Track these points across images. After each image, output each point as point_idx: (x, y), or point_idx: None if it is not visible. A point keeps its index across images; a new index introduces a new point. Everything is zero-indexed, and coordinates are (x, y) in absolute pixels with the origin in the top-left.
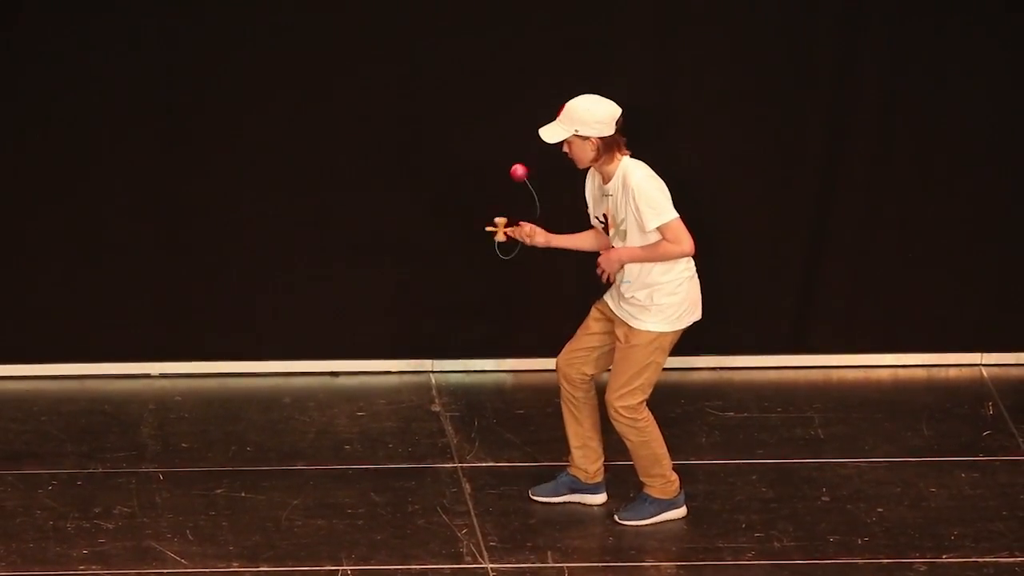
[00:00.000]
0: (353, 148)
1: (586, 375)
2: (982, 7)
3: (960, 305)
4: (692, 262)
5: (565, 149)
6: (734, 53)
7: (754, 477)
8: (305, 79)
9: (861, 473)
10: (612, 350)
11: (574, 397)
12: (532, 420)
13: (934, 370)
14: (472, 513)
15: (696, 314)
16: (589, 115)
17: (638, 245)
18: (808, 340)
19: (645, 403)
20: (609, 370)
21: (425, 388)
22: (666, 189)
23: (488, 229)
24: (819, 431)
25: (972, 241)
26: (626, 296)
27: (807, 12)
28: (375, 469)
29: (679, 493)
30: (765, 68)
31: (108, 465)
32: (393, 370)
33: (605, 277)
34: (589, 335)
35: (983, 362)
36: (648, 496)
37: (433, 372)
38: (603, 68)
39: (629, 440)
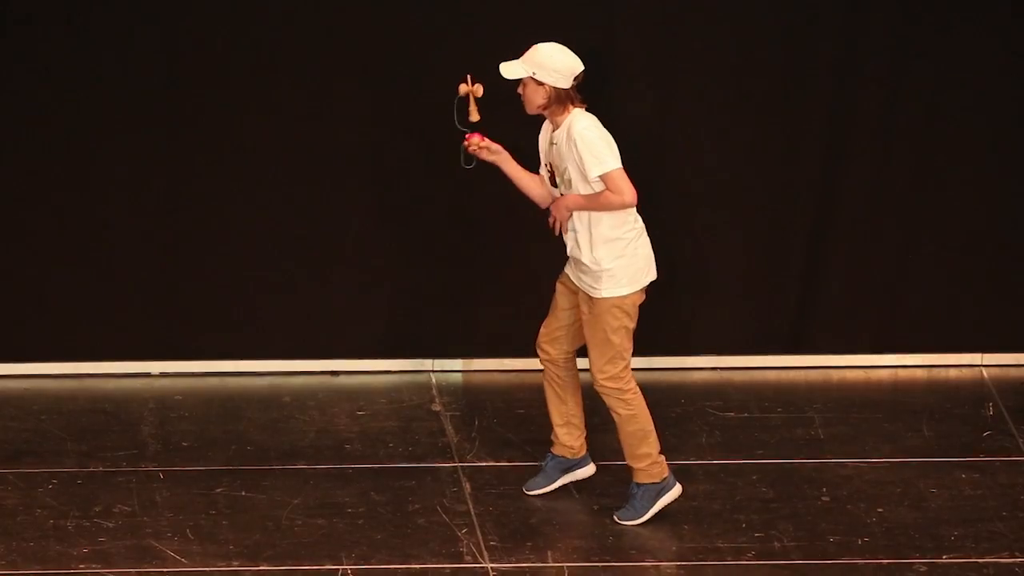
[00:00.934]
0: (353, 146)
1: (567, 352)
2: (986, 9)
3: (960, 305)
4: (640, 220)
5: (520, 90)
6: (733, 53)
7: (754, 477)
8: (305, 79)
9: (861, 473)
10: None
11: (558, 376)
12: (532, 420)
13: (934, 371)
14: (472, 512)
15: (651, 273)
16: (550, 61)
17: (581, 193)
18: (808, 340)
19: (630, 371)
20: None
21: (425, 387)
22: (611, 141)
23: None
24: (819, 431)
25: (972, 241)
26: (577, 260)
27: (808, 11)
28: (375, 468)
29: (668, 474)
30: (765, 69)
31: (108, 464)
32: (393, 369)
33: (557, 226)
34: (561, 311)
35: (983, 363)
36: (637, 488)
37: (433, 371)
38: (602, 67)
39: (617, 414)
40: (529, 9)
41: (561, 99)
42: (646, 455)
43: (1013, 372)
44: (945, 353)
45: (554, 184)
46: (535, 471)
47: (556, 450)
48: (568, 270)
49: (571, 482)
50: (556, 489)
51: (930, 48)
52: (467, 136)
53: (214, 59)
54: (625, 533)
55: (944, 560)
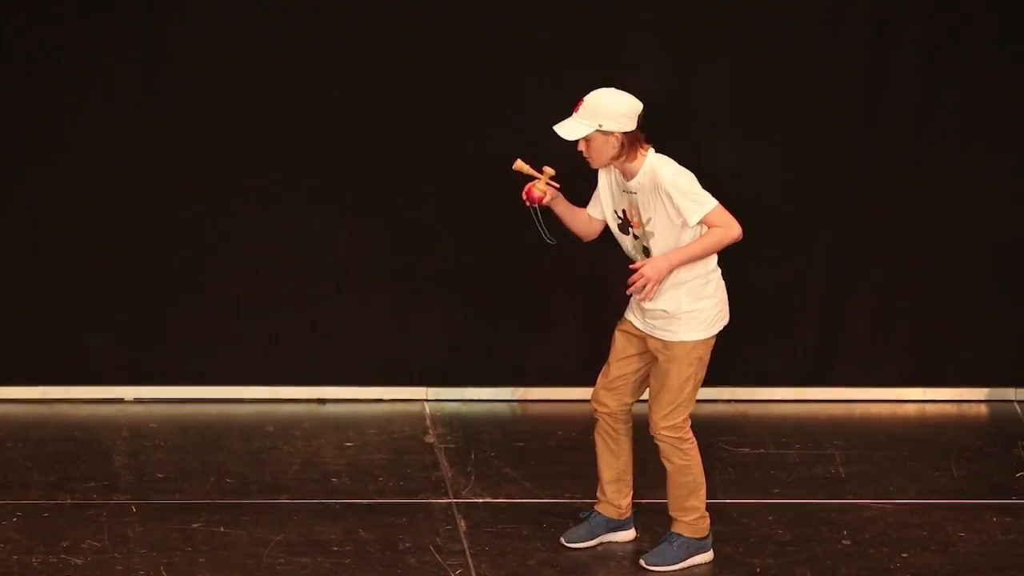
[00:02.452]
0: (343, 166)
1: (627, 404)
2: (1016, 32)
3: (992, 337)
4: (718, 270)
5: (581, 147)
6: (755, 81)
7: (770, 518)
8: (291, 101)
9: (885, 515)
10: (648, 372)
11: (614, 429)
12: (532, 453)
13: (964, 406)
14: (467, 552)
15: (726, 317)
16: (614, 108)
17: (669, 243)
18: (830, 372)
19: (690, 422)
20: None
21: (419, 418)
22: (695, 178)
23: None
24: (840, 469)
25: (1004, 270)
26: (650, 309)
27: (834, 29)
28: (364, 504)
29: (708, 534)
30: (787, 98)
31: (77, 496)
32: (385, 398)
33: (646, 290)
34: (623, 360)
35: (1017, 398)
36: (676, 537)
37: (427, 401)
38: (617, 80)
39: (672, 463)
40: (532, 13)
41: (632, 143)
42: (694, 508)
43: None
44: (976, 387)
45: (623, 231)
46: (535, 508)
47: (602, 508)
48: (631, 315)
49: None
50: (563, 529)
51: (956, 77)
52: (531, 197)
53: (195, 79)
54: None
55: None
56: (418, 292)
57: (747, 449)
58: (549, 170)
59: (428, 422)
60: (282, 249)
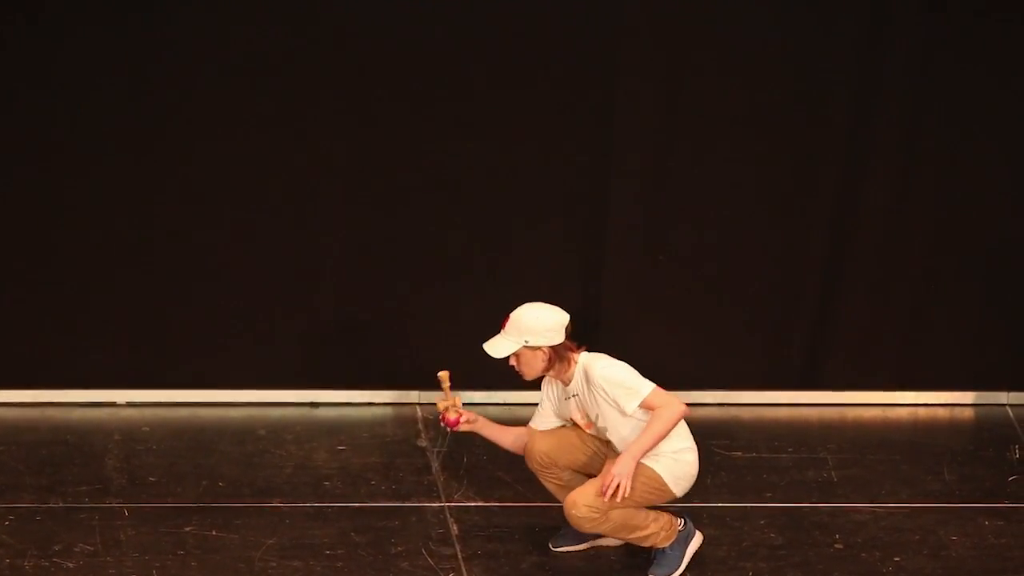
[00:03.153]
0: (334, 170)
1: (567, 467)
2: (1008, 37)
3: (984, 341)
4: (688, 441)
5: (512, 363)
6: (747, 81)
7: (762, 521)
8: (283, 105)
9: (877, 519)
10: (597, 459)
11: (556, 474)
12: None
13: (956, 410)
14: (459, 556)
15: (687, 486)
16: (538, 323)
17: (623, 432)
18: (822, 376)
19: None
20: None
21: (410, 421)
22: (628, 366)
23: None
24: (833, 473)
25: (996, 273)
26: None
27: (823, 41)
28: (356, 507)
29: (681, 521)
30: (779, 97)
31: (69, 499)
32: (376, 401)
33: (621, 489)
34: (584, 442)
35: (1009, 402)
36: (662, 548)
37: (419, 404)
38: (608, 98)
39: (601, 531)
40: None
41: (561, 355)
42: (651, 535)
43: None
44: (968, 391)
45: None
46: (527, 512)
47: None
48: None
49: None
50: (555, 533)
51: (948, 82)
52: (446, 421)
53: (188, 84)
54: None
55: None
56: (410, 296)
57: (740, 453)
58: (457, 399)
59: (420, 425)
60: (274, 253)
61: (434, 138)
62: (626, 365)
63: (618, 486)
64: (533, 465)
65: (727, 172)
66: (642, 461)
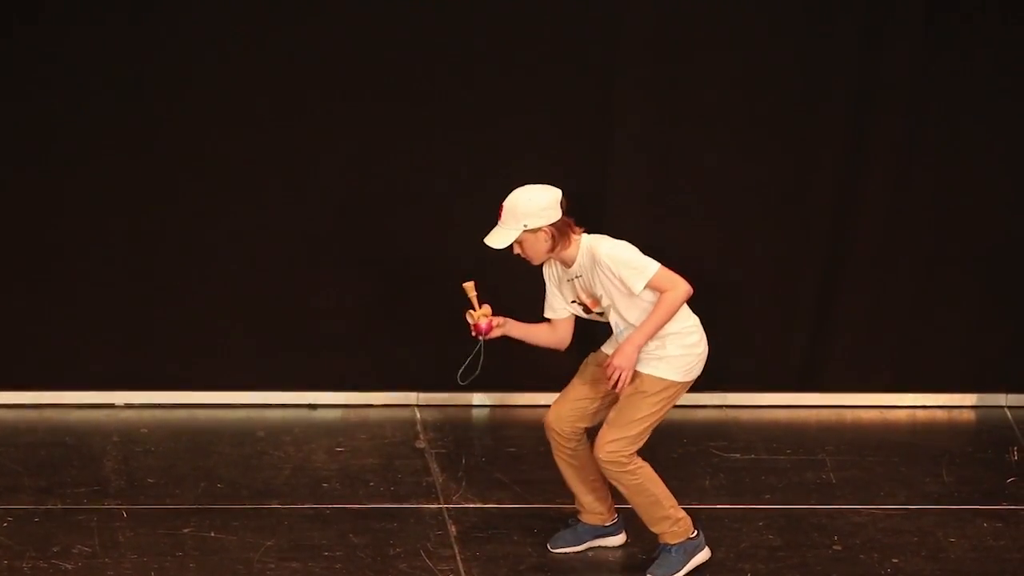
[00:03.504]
0: (332, 168)
1: (580, 428)
2: (1008, 36)
3: (983, 342)
4: (695, 322)
5: (516, 251)
6: (744, 82)
7: (761, 523)
8: (282, 100)
9: (875, 521)
10: (607, 404)
11: (571, 450)
12: (523, 459)
13: (955, 411)
14: (458, 558)
15: (700, 368)
16: (533, 205)
17: (629, 316)
18: (820, 378)
19: (636, 455)
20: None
21: (409, 423)
22: (632, 245)
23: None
24: (831, 475)
25: (995, 275)
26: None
27: (822, 43)
28: (355, 509)
29: (695, 532)
30: (778, 99)
31: (68, 501)
32: (375, 403)
33: (622, 378)
34: (587, 386)
35: (1008, 403)
36: (667, 545)
37: (418, 406)
38: (606, 96)
39: (622, 486)
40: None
41: (562, 232)
42: (664, 519)
43: None
44: (967, 393)
45: (589, 314)
46: (526, 514)
47: (585, 518)
48: (608, 348)
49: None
50: (551, 535)
51: (946, 84)
52: (478, 330)
53: (185, 82)
54: None
55: None
56: (408, 297)
57: (738, 455)
58: (487, 307)
59: (419, 427)
60: (273, 254)
61: (434, 138)
62: (629, 244)
63: (619, 374)
64: (550, 435)
65: (725, 173)
66: (646, 372)
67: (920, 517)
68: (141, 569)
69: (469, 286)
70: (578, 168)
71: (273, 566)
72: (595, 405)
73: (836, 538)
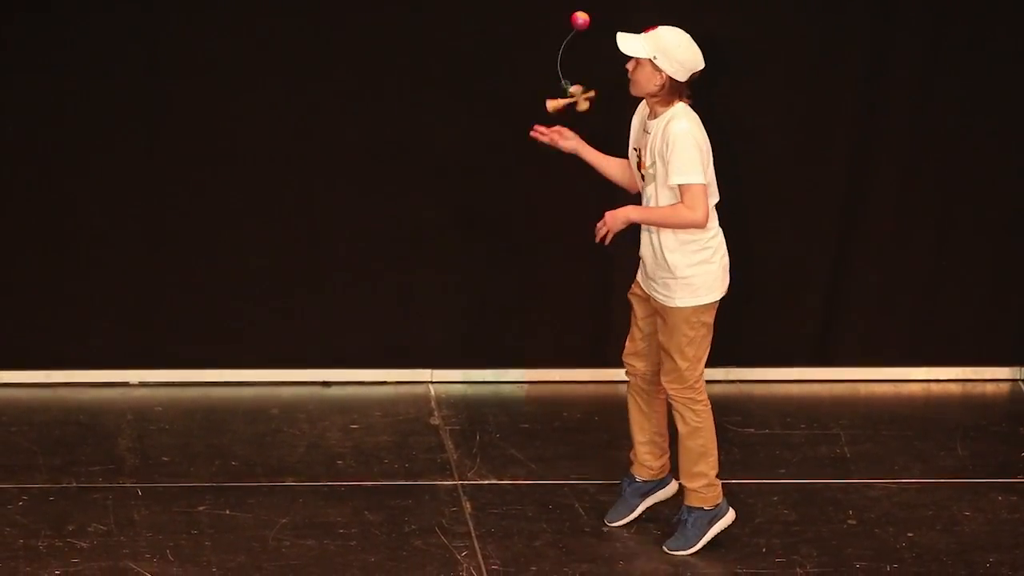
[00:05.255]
0: (345, 146)
1: (655, 364)
2: (1017, 18)
3: (997, 315)
4: (720, 233)
5: (629, 66)
6: (756, 52)
7: (775, 498)
8: (295, 81)
9: (890, 495)
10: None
11: (645, 391)
12: (538, 435)
13: (969, 385)
14: (473, 534)
15: (724, 286)
16: (676, 51)
17: (659, 195)
18: (834, 352)
19: (703, 381)
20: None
21: (424, 400)
22: (706, 148)
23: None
24: (845, 449)
25: (1009, 248)
26: (648, 267)
27: (837, 12)
28: (369, 486)
29: (722, 499)
30: (791, 71)
31: (83, 480)
32: (389, 380)
33: (604, 234)
34: (641, 321)
35: (1022, 376)
36: (690, 512)
37: (432, 383)
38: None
39: (684, 424)
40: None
41: (673, 91)
42: (701, 475)
43: None
44: (981, 366)
45: (637, 169)
46: (541, 490)
47: (635, 470)
48: (639, 277)
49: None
50: (569, 511)
51: (959, 54)
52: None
53: (198, 58)
54: (637, 558)
55: None
56: (423, 273)
57: (752, 430)
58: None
59: (433, 404)
60: (286, 232)
61: (444, 122)
62: (704, 143)
63: (603, 231)
64: (628, 373)
65: (737, 152)
66: (668, 305)
67: (935, 491)
68: (156, 547)
69: (555, 104)
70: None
71: (288, 543)
72: (655, 338)
73: (851, 512)
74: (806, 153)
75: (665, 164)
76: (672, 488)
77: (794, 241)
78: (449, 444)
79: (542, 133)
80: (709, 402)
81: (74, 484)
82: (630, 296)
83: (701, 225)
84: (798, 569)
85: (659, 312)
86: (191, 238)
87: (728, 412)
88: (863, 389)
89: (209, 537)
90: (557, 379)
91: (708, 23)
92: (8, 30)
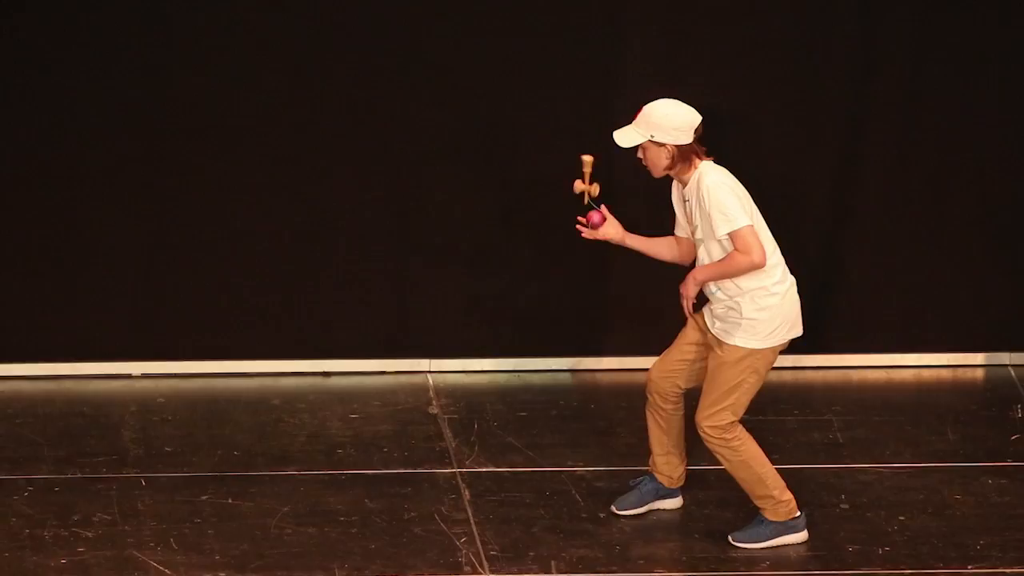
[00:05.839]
0: (344, 140)
1: (679, 388)
2: (1007, 8)
3: (987, 302)
4: (788, 274)
5: (639, 155)
6: (748, 52)
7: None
8: (296, 73)
9: (882, 479)
10: (706, 364)
11: (663, 410)
12: (535, 423)
13: (959, 371)
14: (471, 521)
15: (796, 330)
16: (667, 121)
17: (712, 251)
18: (826, 339)
19: (737, 423)
20: (701, 386)
21: (422, 389)
22: (743, 195)
23: (579, 188)
24: (838, 435)
25: (1000, 234)
26: (715, 309)
27: (824, 13)
28: (369, 475)
29: (798, 515)
30: (782, 57)
31: (87, 470)
32: (388, 370)
33: (686, 303)
34: (686, 346)
35: (1012, 362)
36: (764, 518)
37: (431, 372)
38: (613, 57)
39: (726, 461)
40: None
41: (685, 156)
42: (767, 497)
43: None
44: (971, 352)
45: (693, 234)
46: (538, 477)
47: (655, 473)
48: (705, 310)
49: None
50: (566, 497)
51: (949, 45)
52: (590, 220)
53: (199, 50)
54: (633, 543)
55: (969, 570)
56: (421, 265)
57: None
58: (597, 186)
59: (431, 393)
60: (287, 227)
61: (440, 111)
62: (739, 189)
63: (685, 303)
64: (650, 391)
65: (730, 140)
66: (726, 341)
67: (926, 475)
68: (160, 536)
69: (588, 159)
70: (584, 130)
71: (290, 531)
72: (696, 366)
73: (843, 496)
74: (797, 144)
75: (708, 221)
76: (678, 502)
77: (786, 232)
78: (447, 433)
79: (584, 226)
80: (745, 433)
81: (79, 475)
82: (689, 322)
83: (761, 264)
84: (791, 553)
85: (713, 348)
86: (193, 234)
87: None
88: (855, 376)
89: (212, 526)
90: (553, 368)
91: (699, 31)
92: (20, 31)
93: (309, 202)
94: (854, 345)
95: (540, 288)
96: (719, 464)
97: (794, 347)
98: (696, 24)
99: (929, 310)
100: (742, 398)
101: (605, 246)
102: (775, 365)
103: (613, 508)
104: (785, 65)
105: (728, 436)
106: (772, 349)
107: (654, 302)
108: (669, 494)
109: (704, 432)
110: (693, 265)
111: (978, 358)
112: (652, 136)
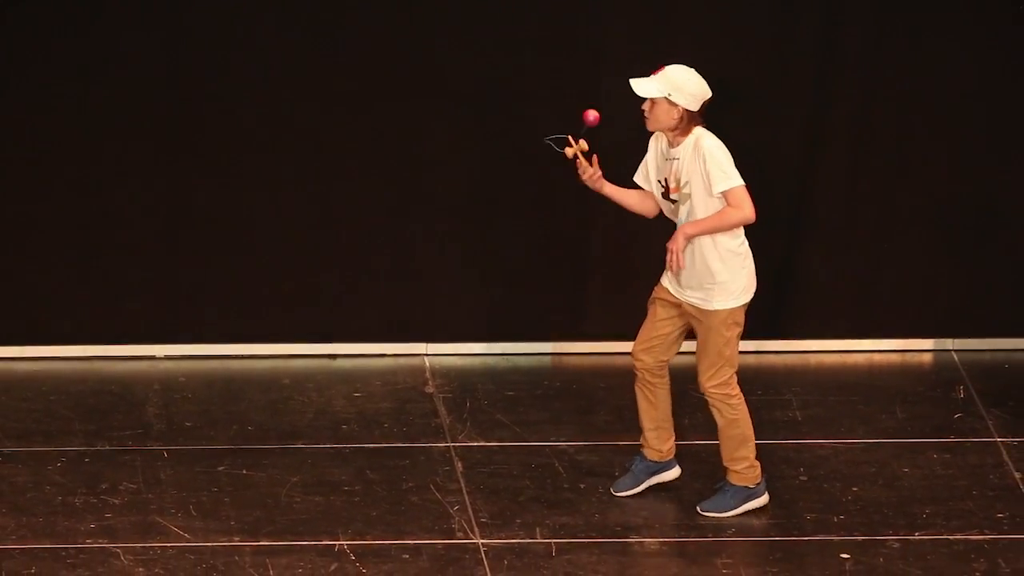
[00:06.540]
0: (351, 129)
1: (661, 361)
2: (964, 3)
3: (933, 293)
4: (745, 239)
5: (645, 107)
6: (714, 44)
7: None
8: (304, 66)
9: (837, 454)
10: (684, 333)
11: (651, 384)
12: (521, 401)
13: (908, 355)
14: (464, 491)
15: (753, 286)
16: (687, 84)
17: (699, 210)
18: (786, 326)
19: (735, 378)
20: (684, 352)
21: (419, 370)
22: (732, 158)
23: (569, 152)
24: (797, 413)
25: (945, 230)
26: (685, 278)
27: (787, 6)
28: (371, 448)
29: (760, 481)
30: (744, 53)
31: (115, 443)
32: (389, 353)
33: (675, 258)
34: (659, 321)
35: (954, 347)
36: (729, 486)
37: (427, 355)
38: (590, 48)
39: (721, 417)
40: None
41: (690, 121)
42: (743, 458)
43: (983, 357)
44: (918, 338)
45: (665, 198)
46: (525, 451)
47: (646, 452)
48: (666, 282)
49: (656, 484)
50: (550, 469)
51: (906, 38)
52: (585, 118)
53: (215, 46)
54: (611, 511)
55: (916, 537)
56: (420, 255)
57: None
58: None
59: (428, 374)
60: (298, 220)
61: (443, 107)
62: (727, 154)
63: (673, 258)
64: (637, 367)
65: None
66: (709, 308)
67: (877, 450)
68: (181, 503)
69: (583, 146)
70: (575, 126)
71: (299, 500)
72: (672, 336)
73: (802, 469)
74: (759, 138)
75: (704, 178)
76: (675, 472)
77: (750, 227)
78: (442, 410)
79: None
80: (742, 393)
81: (107, 447)
82: (653, 300)
83: (752, 219)
84: (755, 521)
85: (695, 316)
86: (212, 226)
87: (690, 380)
88: (812, 359)
89: (228, 494)
90: (538, 351)
91: (671, 24)
92: (44, 28)
93: (319, 201)
94: (812, 331)
95: (527, 279)
96: (689, 439)
97: (757, 333)
98: (666, 25)
99: (880, 300)
100: (733, 351)
101: (587, 245)
102: (740, 350)
103: (612, 491)
104: (744, 61)
105: (731, 392)
106: (746, 301)
107: (631, 291)
108: (664, 467)
109: (709, 393)
110: (659, 221)
111: (925, 344)
112: (670, 95)
